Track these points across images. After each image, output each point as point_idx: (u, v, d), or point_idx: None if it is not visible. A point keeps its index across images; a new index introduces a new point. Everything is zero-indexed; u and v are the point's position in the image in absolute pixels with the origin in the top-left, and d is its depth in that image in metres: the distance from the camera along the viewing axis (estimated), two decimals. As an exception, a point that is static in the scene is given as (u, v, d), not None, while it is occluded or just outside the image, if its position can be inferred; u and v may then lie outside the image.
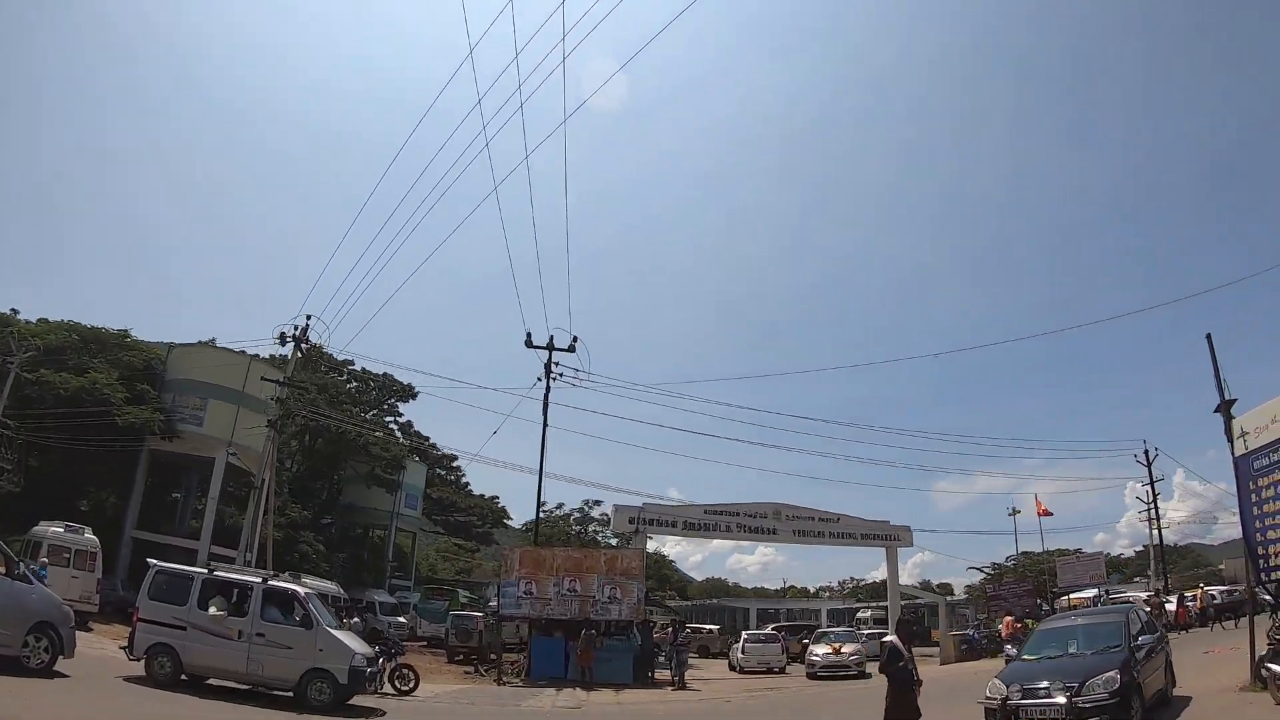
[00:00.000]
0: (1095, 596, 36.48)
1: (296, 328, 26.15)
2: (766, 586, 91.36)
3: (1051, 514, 38.62)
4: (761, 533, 30.33)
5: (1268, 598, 13.08)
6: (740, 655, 28.59)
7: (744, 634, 32.41)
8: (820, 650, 25.30)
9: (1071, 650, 11.20)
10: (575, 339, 28.14)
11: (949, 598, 48.46)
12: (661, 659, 24.35)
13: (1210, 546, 63.18)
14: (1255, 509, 13.42)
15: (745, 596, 74.43)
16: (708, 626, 42.58)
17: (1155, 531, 39.68)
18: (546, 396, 28.04)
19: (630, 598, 24.55)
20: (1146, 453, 44.31)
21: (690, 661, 24.80)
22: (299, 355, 27.08)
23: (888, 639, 10.37)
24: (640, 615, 25.16)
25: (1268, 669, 11.32)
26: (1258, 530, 13.37)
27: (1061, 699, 9.68)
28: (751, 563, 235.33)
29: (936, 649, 36.62)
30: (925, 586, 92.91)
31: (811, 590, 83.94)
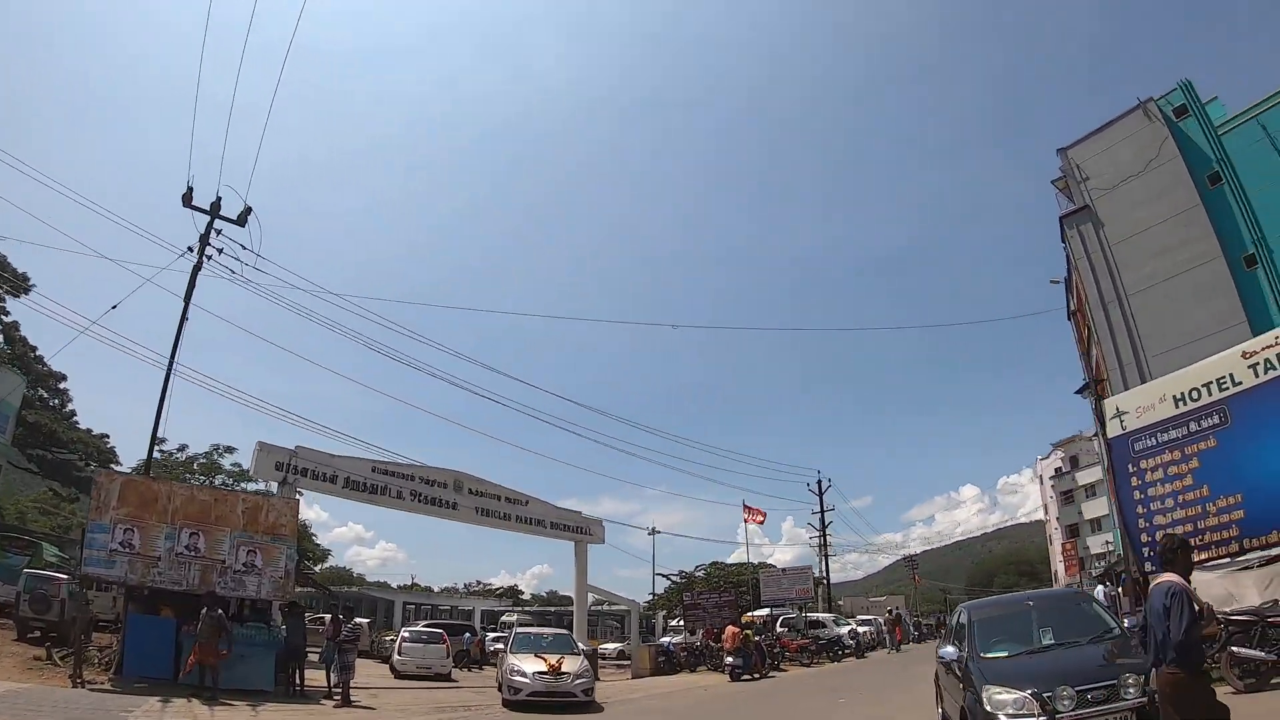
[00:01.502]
0: (772, 615, 35.95)
1: None
2: (389, 584, 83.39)
3: (763, 520, 36.99)
4: (440, 505, 23.64)
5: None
6: (397, 656, 23.09)
7: (403, 630, 26.74)
8: (528, 666, 16.13)
9: (1048, 640, 7.71)
10: (249, 209, 20.17)
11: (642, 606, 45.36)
12: (316, 659, 17.07)
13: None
14: (1137, 493, 11.87)
15: (371, 588, 65.14)
16: (360, 619, 35.49)
17: (823, 560, 41.40)
18: (195, 274, 19.49)
19: (276, 567, 16.74)
20: (819, 483, 46.56)
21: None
22: None
23: (1163, 581, 5.00)
24: (288, 594, 17.52)
25: (1230, 653, 9.93)
26: (1140, 515, 11.78)
27: (1138, 695, 6.18)
28: (371, 557, 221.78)
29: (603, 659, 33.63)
30: (552, 596, 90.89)
31: (435, 590, 77.28)
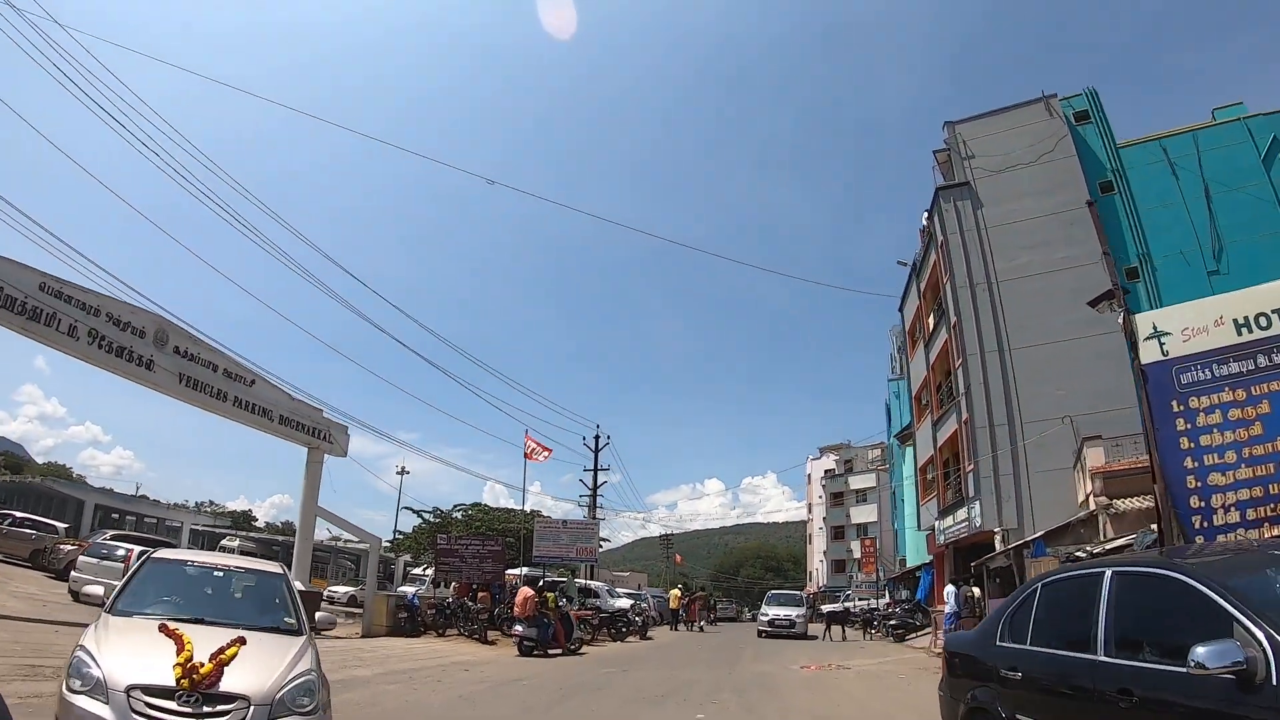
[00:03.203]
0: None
1: None
2: (118, 491, 69.39)
3: (550, 452, 29.91)
4: (129, 358, 15.13)
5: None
6: (74, 572, 18.31)
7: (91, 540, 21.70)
8: (133, 663, 4.38)
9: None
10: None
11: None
12: None
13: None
14: (1185, 439, 8.63)
15: (59, 482, 51.60)
16: (55, 523, 26.33)
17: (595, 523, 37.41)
18: None
19: None
20: (596, 439, 41.94)
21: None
22: None
23: None
24: None
25: None
26: (1190, 470, 8.54)
27: None
28: (106, 463, 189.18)
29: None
30: (287, 527, 78.27)
31: (165, 505, 64.02)
